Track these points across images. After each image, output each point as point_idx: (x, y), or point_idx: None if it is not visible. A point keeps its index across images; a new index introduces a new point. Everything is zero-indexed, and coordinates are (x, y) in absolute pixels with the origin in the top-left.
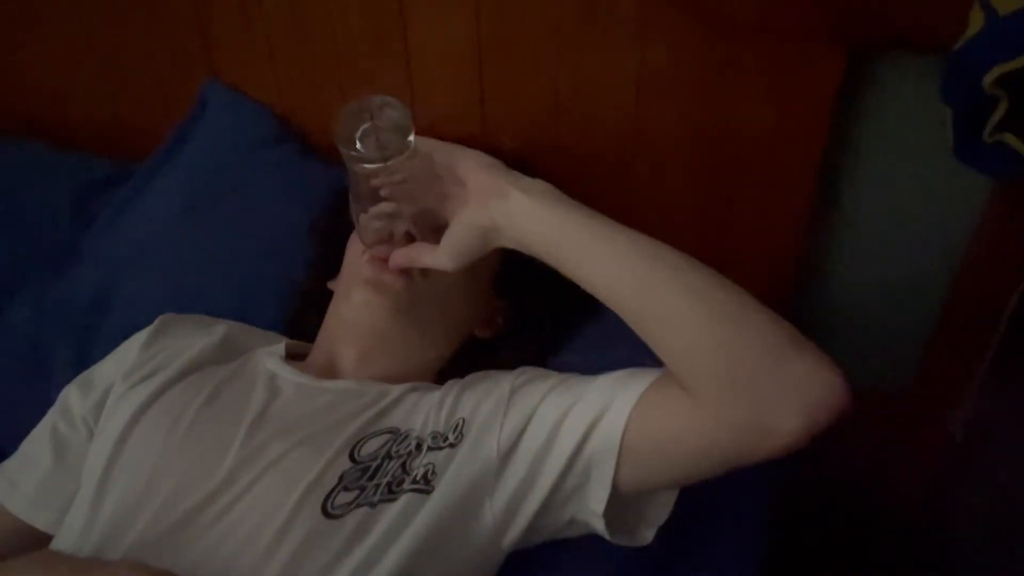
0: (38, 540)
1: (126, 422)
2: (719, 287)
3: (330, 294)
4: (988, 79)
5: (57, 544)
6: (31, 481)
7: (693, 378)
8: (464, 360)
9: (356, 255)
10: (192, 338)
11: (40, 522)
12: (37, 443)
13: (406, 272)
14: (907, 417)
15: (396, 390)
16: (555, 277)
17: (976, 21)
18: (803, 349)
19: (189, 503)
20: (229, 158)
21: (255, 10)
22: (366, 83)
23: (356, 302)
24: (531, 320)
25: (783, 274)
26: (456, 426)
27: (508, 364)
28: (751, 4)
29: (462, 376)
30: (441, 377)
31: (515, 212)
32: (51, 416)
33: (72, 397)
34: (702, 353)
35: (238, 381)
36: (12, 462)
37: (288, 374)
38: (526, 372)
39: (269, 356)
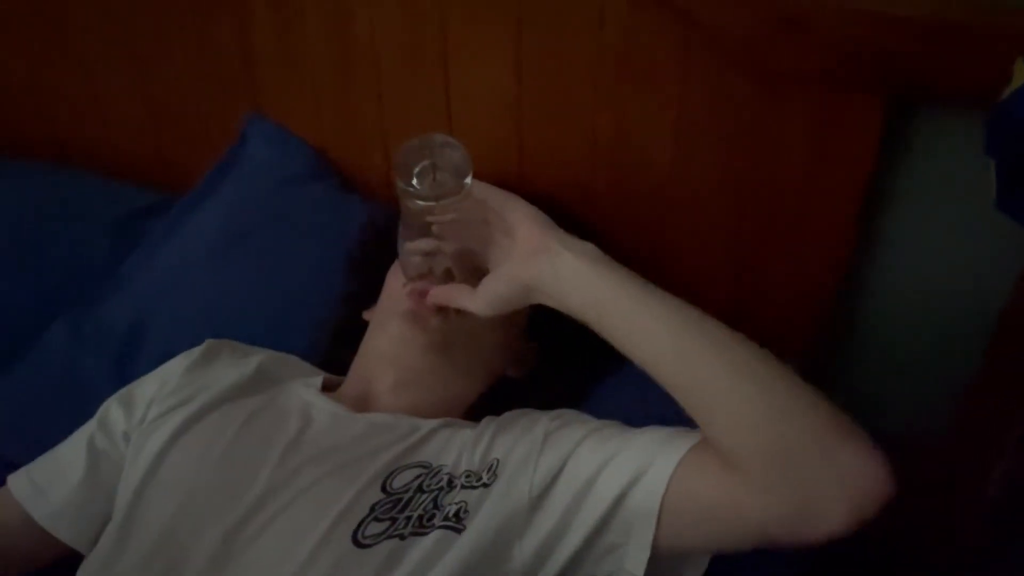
0: (54, 546)
1: (160, 447)
2: (768, 367)
3: (364, 327)
4: None
5: (86, 564)
6: (60, 492)
7: (736, 456)
8: (496, 398)
9: (396, 287)
10: (228, 367)
11: (63, 534)
12: (71, 454)
13: (443, 309)
14: (941, 470)
15: (428, 424)
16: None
17: (1021, 73)
18: (851, 436)
19: (219, 527)
20: (268, 191)
21: (300, 49)
22: (407, 124)
23: (392, 334)
24: (564, 362)
25: (818, 322)
26: (491, 466)
27: (540, 404)
28: (791, 53)
29: (495, 414)
30: (472, 414)
31: (561, 273)
32: (89, 428)
33: (113, 412)
34: (747, 433)
35: (272, 409)
36: (40, 467)
37: (323, 403)
38: (563, 415)
39: (305, 387)
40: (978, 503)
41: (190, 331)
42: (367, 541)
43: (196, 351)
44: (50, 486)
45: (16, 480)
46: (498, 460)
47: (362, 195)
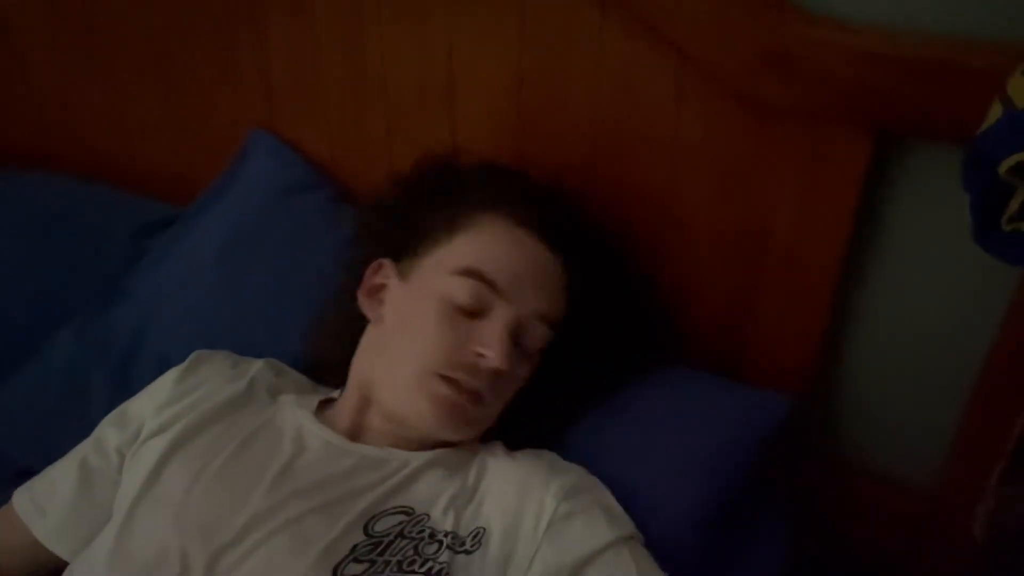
0: (53, 561)
1: (156, 461)
2: None
3: (353, 331)
4: (1003, 167)
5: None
6: (56, 510)
7: None
8: None
9: (437, 336)
10: (221, 379)
11: (62, 550)
12: (65, 473)
13: (480, 399)
14: (930, 514)
15: (416, 460)
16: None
17: (995, 112)
18: None
19: (206, 550)
20: (265, 202)
21: (314, 73)
22: (413, 142)
23: (411, 408)
24: (554, 372)
25: (807, 355)
26: (476, 534)
27: (536, 409)
28: (780, 88)
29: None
30: None
31: None
32: (83, 448)
33: (107, 431)
34: None
35: (267, 432)
36: (39, 485)
37: (316, 429)
38: (571, 492)
39: (300, 408)
40: (963, 542)
41: (188, 340)
42: None
43: (181, 365)
44: (47, 504)
45: (20, 497)
46: (484, 529)
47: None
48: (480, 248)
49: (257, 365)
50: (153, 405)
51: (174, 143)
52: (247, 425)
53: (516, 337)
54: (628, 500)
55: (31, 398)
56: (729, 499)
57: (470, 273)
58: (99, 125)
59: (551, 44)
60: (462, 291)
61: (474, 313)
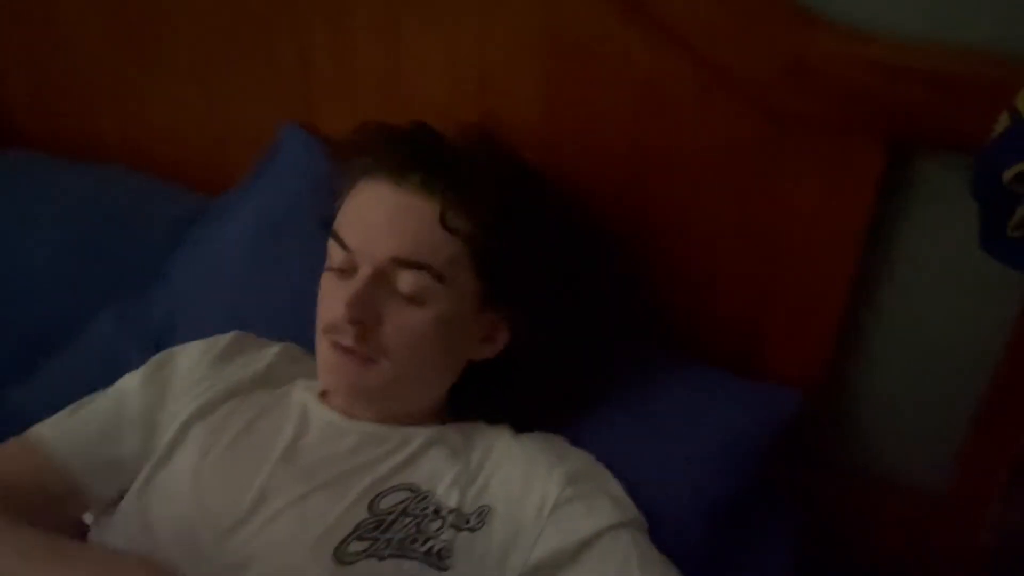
0: (68, 491)
1: (170, 439)
2: None
3: None
4: (1007, 175)
5: (111, 532)
6: (80, 429)
7: None
8: (476, 385)
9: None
10: (243, 361)
11: (73, 463)
12: (100, 404)
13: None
14: (935, 519)
15: (419, 436)
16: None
17: (1003, 123)
18: None
19: (215, 530)
20: (297, 194)
21: (352, 71)
22: None
23: (326, 381)
24: (536, 326)
25: (818, 361)
26: (480, 512)
27: (523, 384)
28: (798, 97)
29: (477, 407)
30: (454, 406)
31: None
32: (124, 385)
33: (146, 389)
34: None
35: (274, 413)
36: (68, 410)
37: (318, 410)
38: (578, 477)
39: (306, 390)
40: (967, 547)
41: (218, 326)
42: (348, 559)
43: (223, 342)
44: (71, 425)
45: (38, 426)
46: (489, 508)
47: None
48: (343, 211)
49: (274, 350)
50: (190, 375)
51: (216, 137)
52: (256, 405)
53: (391, 287)
54: (636, 490)
55: (72, 378)
56: (737, 493)
57: (332, 235)
58: (145, 119)
59: (578, 53)
60: (331, 254)
61: (351, 273)
